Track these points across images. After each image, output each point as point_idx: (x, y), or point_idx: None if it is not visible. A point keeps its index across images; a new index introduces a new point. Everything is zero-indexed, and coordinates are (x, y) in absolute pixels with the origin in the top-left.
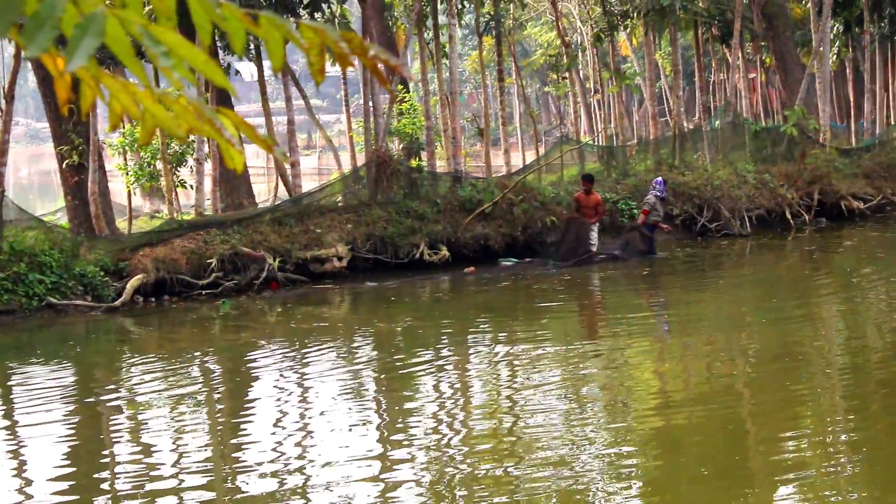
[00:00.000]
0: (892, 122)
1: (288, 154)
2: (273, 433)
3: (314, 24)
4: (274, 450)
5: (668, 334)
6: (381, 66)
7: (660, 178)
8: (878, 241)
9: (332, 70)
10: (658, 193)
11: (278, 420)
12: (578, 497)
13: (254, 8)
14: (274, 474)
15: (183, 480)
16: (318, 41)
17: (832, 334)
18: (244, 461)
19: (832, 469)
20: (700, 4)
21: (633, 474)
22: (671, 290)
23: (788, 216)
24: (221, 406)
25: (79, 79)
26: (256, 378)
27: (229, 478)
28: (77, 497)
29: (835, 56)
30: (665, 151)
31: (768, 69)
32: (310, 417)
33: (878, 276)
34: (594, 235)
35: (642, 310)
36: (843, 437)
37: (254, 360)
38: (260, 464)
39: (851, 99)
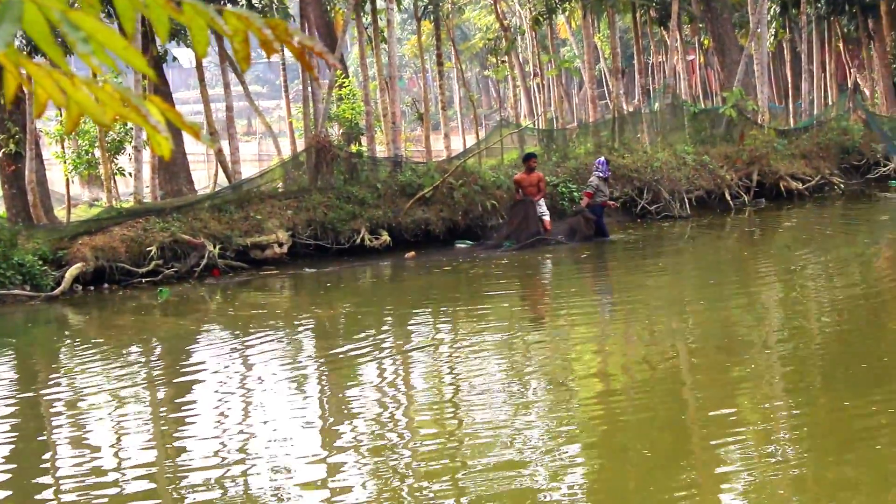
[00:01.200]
0: (830, 103)
1: (227, 139)
2: (215, 427)
3: (238, 11)
4: (216, 447)
5: (609, 318)
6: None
7: (602, 159)
8: (816, 221)
9: (273, 56)
10: (601, 174)
11: (220, 414)
12: (522, 483)
13: None
14: (218, 468)
15: (125, 484)
16: (243, 28)
17: (772, 315)
18: (187, 460)
19: (774, 450)
20: None
21: (576, 459)
22: (612, 274)
23: (728, 197)
24: (162, 397)
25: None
26: (197, 368)
27: (172, 479)
28: (15, 500)
29: (772, 37)
30: (605, 134)
31: (707, 51)
32: (252, 409)
33: (817, 256)
34: (544, 209)
35: (583, 294)
36: (784, 417)
37: (194, 349)
38: (205, 459)
39: (789, 80)
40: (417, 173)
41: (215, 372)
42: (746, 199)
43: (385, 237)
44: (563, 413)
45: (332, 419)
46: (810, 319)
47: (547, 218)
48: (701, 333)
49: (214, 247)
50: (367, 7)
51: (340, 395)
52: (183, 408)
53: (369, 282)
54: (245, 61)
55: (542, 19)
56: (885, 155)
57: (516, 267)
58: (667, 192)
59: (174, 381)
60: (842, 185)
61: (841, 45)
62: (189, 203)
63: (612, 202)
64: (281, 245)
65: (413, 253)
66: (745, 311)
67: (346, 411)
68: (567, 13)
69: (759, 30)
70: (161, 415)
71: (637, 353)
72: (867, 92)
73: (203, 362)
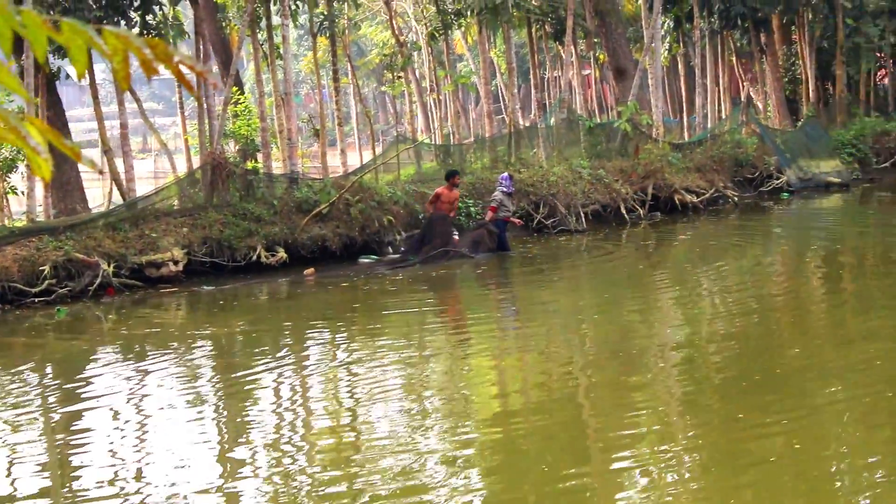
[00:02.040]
0: (724, 116)
1: (121, 157)
2: (110, 454)
3: (117, 31)
4: (111, 475)
5: (506, 335)
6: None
7: (506, 174)
8: (711, 233)
9: (167, 72)
10: (505, 189)
11: (115, 439)
12: None
13: (84, 10)
14: (116, 498)
15: None
16: (122, 48)
17: (668, 329)
18: (82, 488)
19: (673, 464)
20: (533, 2)
21: (476, 483)
22: (509, 289)
23: (623, 211)
24: (56, 422)
25: None
26: (91, 391)
27: None
28: None
29: (666, 52)
30: (501, 149)
31: (602, 65)
32: (148, 433)
33: (711, 268)
34: (454, 230)
35: (481, 310)
36: (681, 432)
37: (89, 371)
38: (100, 488)
39: (684, 94)
40: (314, 189)
41: (110, 395)
42: (642, 212)
43: (282, 254)
44: (463, 435)
45: (228, 444)
46: (705, 333)
47: (456, 236)
48: (598, 348)
49: (109, 265)
50: (263, 23)
51: (238, 420)
52: (77, 433)
53: (267, 299)
54: (125, 81)
55: (437, 35)
56: (778, 168)
57: (415, 282)
58: (563, 206)
59: (68, 404)
60: (736, 198)
61: (734, 59)
62: (83, 221)
63: (515, 219)
64: (176, 263)
65: (312, 269)
66: (641, 325)
67: (243, 436)
68: (463, 29)
69: (653, 44)
70: (56, 441)
71: (535, 370)
72: (760, 105)
73: (98, 385)
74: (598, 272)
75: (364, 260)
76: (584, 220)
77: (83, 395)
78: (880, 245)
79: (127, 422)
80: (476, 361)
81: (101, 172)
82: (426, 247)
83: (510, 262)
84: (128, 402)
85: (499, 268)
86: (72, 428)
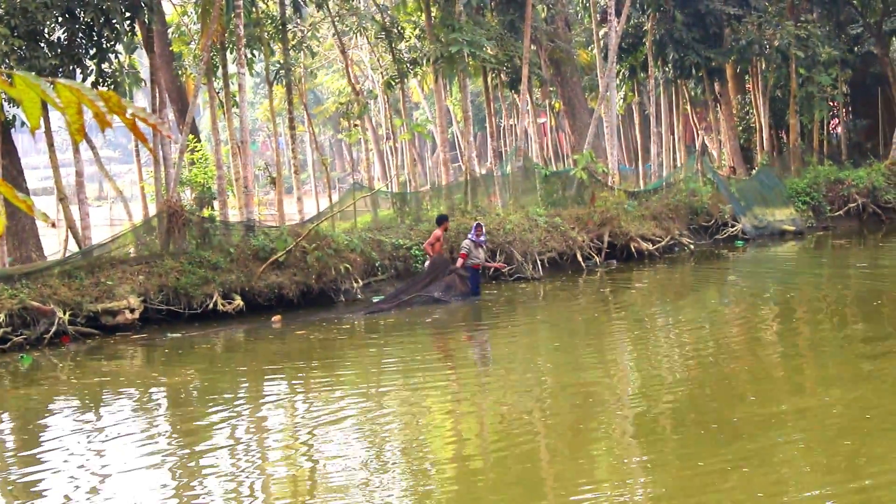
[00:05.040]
0: (679, 165)
1: (77, 204)
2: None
3: (70, 84)
4: None
5: (462, 381)
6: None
7: (476, 223)
8: (665, 281)
9: None
10: (473, 238)
11: (70, 490)
12: None
13: (40, 58)
14: None
15: None
16: (75, 100)
17: (625, 377)
18: None
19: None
20: (488, 51)
21: None
22: (466, 335)
23: (580, 258)
24: (11, 481)
25: None
26: (46, 447)
27: None
28: None
29: (622, 100)
30: (458, 197)
31: (558, 114)
32: (102, 483)
33: (667, 316)
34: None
35: (437, 356)
36: (639, 477)
37: (43, 421)
38: None
39: (639, 142)
40: (270, 237)
41: (65, 450)
42: (598, 260)
43: (238, 301)
44: (421, 488)
45: (185, 488)
46: (662, 380)
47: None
48: (555, 393)
49: (65, 313)
50: (219, 72)
51: (196, 482)
52: (31, 488)
53: (224, 347)
54: (78, 133)
55: (394, 83)
56: (733, 216)
57: (365, 331)
58: (519, 253)
59: (23, 459)
60: (691, 246)
61: (689, 107)
62: (38, 269)
63: (500, 265)
64: (132, 311)
65: (279, 316)
66: (596, 369)
67: (201, 492)
68: (419, 77)
69: (608, 93)
70: (12, 500)
71: (493, 416)
72: (715, 154)
73: (53, 439)
74: (556, 319)
75: (374, 300)
76: (540, 267)
77: (38, 453)
78: (834, 293)
79: (82, 478)
80: (433, 408)
81: (52, 225)
82: (444, 288)
83: (465, 308)
84: (84, 457)
85: (453, 314)
86: (26, 482)
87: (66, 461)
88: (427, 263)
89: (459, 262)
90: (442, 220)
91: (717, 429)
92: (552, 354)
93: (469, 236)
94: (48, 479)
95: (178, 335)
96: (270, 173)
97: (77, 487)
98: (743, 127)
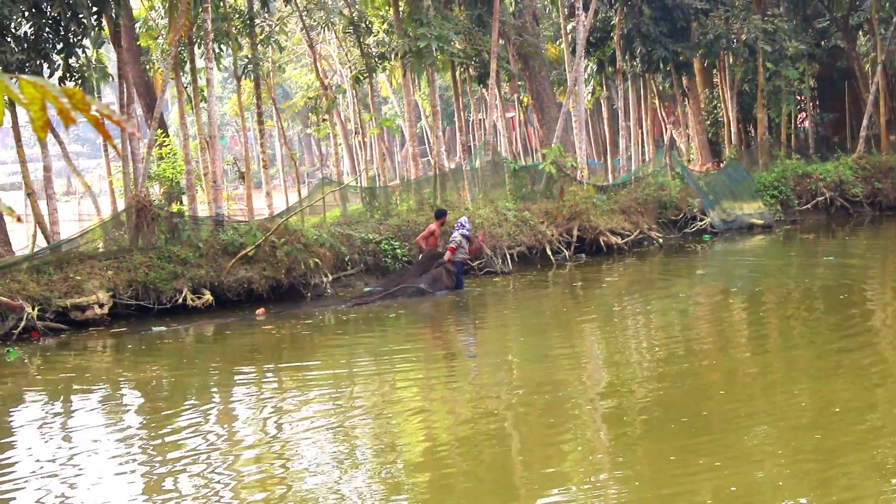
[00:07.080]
0: (647, 159)
1: (45, 199)
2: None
3: (34, 80)
4: None
5: (432, 376)
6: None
7: (464, 217)
8: (635, 275)
9: None
10: (464, 232)
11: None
12: None
13: (6, 53)
14: None
15: None
16: (39, 97)
17: (595, 370)
18: None
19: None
20: (456, 45)
21: None
22: (436, 331)
23: (549, 252)
24: None
25: None
26: (13, 437)
27: None
28: None
29: (590, 94)
30: (427, 191)
31: (526, 108)
32: (74, 484)
33: (636, 310)
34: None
35: (408, 351)
36: (611, 476)
37: (10, 417)
38: None
39: (607, 136)
40: (239, 232)
41: (34, 448)
42: (567, 254)
43: (208, 296)
44: (392, 480)
45: (155, 486)
46: (633, 375)
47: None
48: (526, 389)
49: (33, 308)
50: (187, 66)
51: (164, 478)
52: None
53: (194, 341)
54: (42, 130)
55: (362, 78)
56: (702, 209)
57: (340, 325)
58: (488, 248)
59: None
60: (660, 240)
61: (657, 102)
62: (7, 264)
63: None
64: (101, 306)
65: (263, 309)
66: (568, 368)
67: (170, 479)
68: (387, 72)
69: (576, 87)
70: None
71: (464, 413)
72: (683, 148)
73: (22, 436)
74: (526, 313)
75: (367, 290)
76: (509, 261)
77: (7, 441)
78: (802, 286)
79: (51, 478)
80: (404, 403)
81: (18, 219)
82: (432, 280)
83: (435, 303)
84: (53, 455)
85: (423, 309)
86: None
87: (31, 462)
88: (421, 257)
89: (447, 255)
90: (441, 215)
91: (687, 423)
92: (523, 348)
93: (459, 230)
94: (8, 481)
95: (164, 328)
96: (239, 168)
97: (42, 489)
98: (711, 121)
